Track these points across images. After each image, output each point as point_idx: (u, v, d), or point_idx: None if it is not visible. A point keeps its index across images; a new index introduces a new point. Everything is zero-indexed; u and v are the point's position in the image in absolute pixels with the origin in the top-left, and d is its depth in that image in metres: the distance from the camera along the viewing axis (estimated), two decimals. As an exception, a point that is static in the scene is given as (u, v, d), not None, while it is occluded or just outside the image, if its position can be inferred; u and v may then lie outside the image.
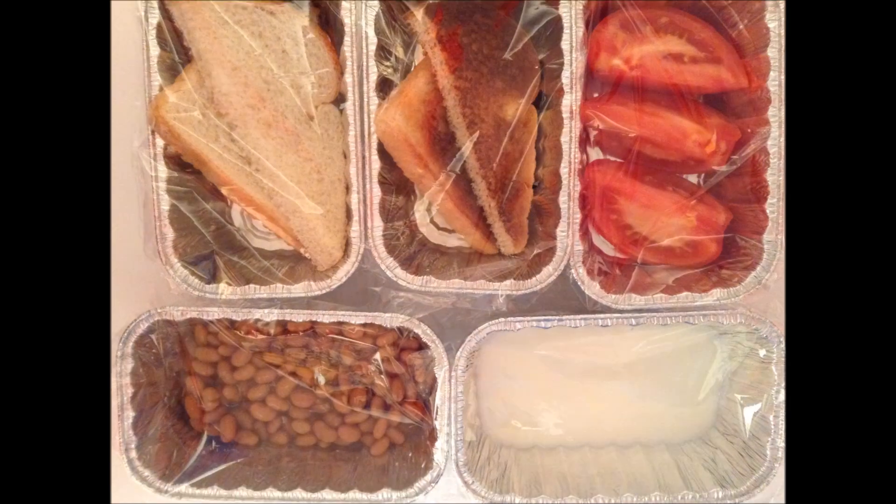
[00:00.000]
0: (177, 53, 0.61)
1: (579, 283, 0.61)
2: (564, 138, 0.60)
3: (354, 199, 0.61)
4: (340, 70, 0.62)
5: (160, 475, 0.63)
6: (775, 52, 0.59)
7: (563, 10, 0.59)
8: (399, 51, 0.65)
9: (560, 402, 0.69)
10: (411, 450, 0.66)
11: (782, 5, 0.58)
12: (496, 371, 0.69)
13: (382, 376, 0.64)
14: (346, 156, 0.63)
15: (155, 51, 0.59)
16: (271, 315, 0.62)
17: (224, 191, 0.63)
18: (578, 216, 0.61)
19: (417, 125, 0.60)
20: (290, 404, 0.67)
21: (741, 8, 0.61)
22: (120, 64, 0.61)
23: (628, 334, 0.67)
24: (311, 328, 0.64)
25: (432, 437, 0.63)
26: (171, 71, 0.61)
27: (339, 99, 0.64)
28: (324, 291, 0.62)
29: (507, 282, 0.62)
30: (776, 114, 0.59)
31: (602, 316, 0.61)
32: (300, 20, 0.61)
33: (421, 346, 0.64)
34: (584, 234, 0.62)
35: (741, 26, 0.61)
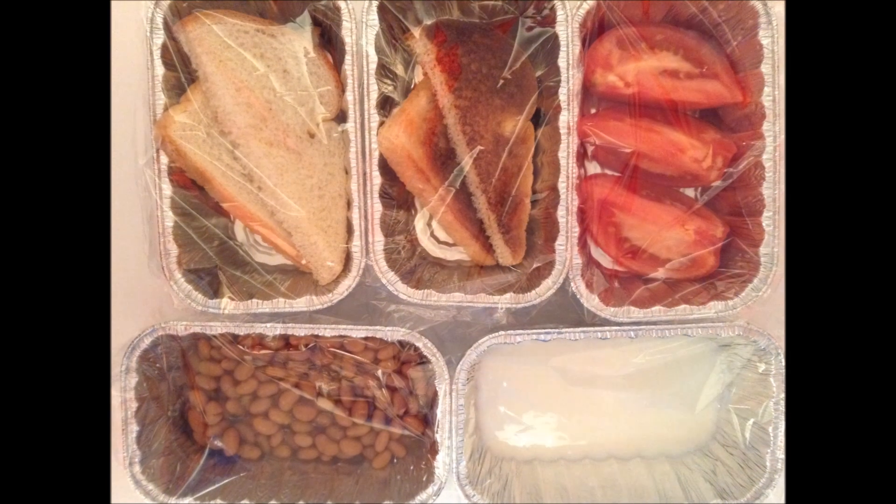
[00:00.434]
0: (181, 72, 0.62)
1: (578, 297, 0.62)
2: (562, 154, 0.61)
3: (356, 214, 0.62)
4: (341, 88, 0.63)
5: (164, 489, 0.63)
6: (769, 68, 0.60)
7: (560, 29, 0.60)
8: (399, 68, 0.66)
9: (561, 414, 0.69)
10: (413, 463, 0.66)
11: (775, 23, 0.59)
12: (497, 384, 0.69)
13: (384, 390, 0.65)
14: (347, 172, 0.64)
15: (159, 70, 0.60)
16: (274, 329, 0.62)
17: (227, 207, 0.64)
18: (577, 230, 0.62)
19: (419, 142, 0.61)
20: (292, 418, 0.67)
21: (735, 25, 0.62)
22: (124, 82, 0.62)
23: (627, 347, 0.67)
24: (313, 342, 0.65)
25: (433, 450, 0.63)
26: (175, 90, 0.62)
27: (341, 116, 0.65)
28: (325, 306, 0.63)
29: (507, 295, 0.62)
30: (770, 128, 0.60)
31: (601, 329, 0.62)
32: (301, 41, 0.62)
33: (422, 360, 0.64)
34: (583, 247, 0.63)
35: (735, 43, 0.62)
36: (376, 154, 0.61)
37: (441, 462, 0.63)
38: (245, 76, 0.60)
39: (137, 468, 0.63)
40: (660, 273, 0.64)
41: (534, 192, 0.66)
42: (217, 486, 0.65)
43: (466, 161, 0.61)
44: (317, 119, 0.63)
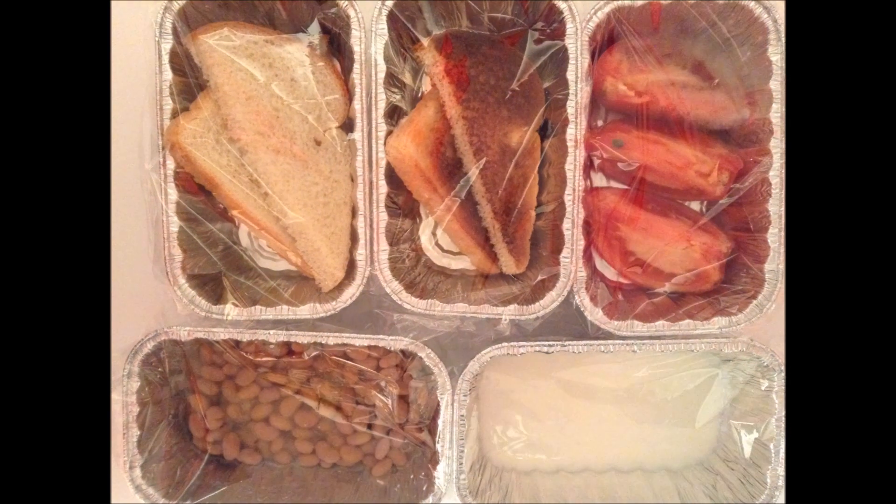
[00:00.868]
0: (190, 77, 0.63)
1: (582, 309, 0.62)
2: (569, 166, 0.61)
3: (361, 223, 0.62)
4: (349, 96, 0.63)
5: (164, 493, 0.63)
6: (777, 85, 0.60)
7: (569, 42, 0.60)
8: (408, 77, 0.66)
9: (562, 425, 0.69)
10: (413, 472, 0.66)
11: (785, 39, 0.59)
12: (498, 394, 0.69)
13: (385, 398, 0.65)
14: (352, 179, 0.64)
15: (168, 75, 0.60)
16: (277, 336, 0.62)
17: (234, 213, 0.64)
18: (582, 243, 0.62)
19: (427, 151, 0.61)
20: (293, 424, 0.67)
21: (744, 41, 0.62)
22: (131, 86, 0.62)
23: (630, 361, 0.67)
24: (316, 351, 0.65)
25: (434, 460, 0.63)
26: (183, 94, 0.62)
27: (348, 124, 0.65)
28: (329, 314, 0.63)
29: (511, 306, 0.62)
30: (777, 145, 0.60)
31: (604, 342, 0.62)
32: (309, 51, 0.62)
33: (424, 369, 0.64)
34: (588, 260, 0.63)
35: (744, 59, 0.62)
36: (383, 163, 0.61)
37: (441, 472, 0.63)
38: (254, 86, 0.60)
39: (138, 472, 0.62)
40: (665, 287, 0.64)
41: (540, 203, 0.66)
42: (217, 491, 0.65)
43: (473, 171, 0.61)
44: (323, 127, 0.63)
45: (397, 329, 0.63)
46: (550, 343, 0.62)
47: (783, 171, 0.60)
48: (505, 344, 0.62)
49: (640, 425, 0.69)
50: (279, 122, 0.61)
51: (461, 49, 0.60)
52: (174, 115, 0.61)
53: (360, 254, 0.62)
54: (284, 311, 0.63)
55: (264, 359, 0.65)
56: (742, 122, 0.63)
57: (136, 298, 0.66)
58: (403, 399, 0.65)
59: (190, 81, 0.63)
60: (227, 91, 0.59)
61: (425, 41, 0.62)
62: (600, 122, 0.67)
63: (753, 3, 0.59)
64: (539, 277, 0.63)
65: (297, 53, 0.62)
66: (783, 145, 0.60)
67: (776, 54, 0.60)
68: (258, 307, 0.63)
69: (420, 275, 0.68)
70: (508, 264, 0.65)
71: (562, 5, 0.59)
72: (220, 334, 0.63)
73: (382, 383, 0.65)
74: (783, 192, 0.60)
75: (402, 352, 0.64)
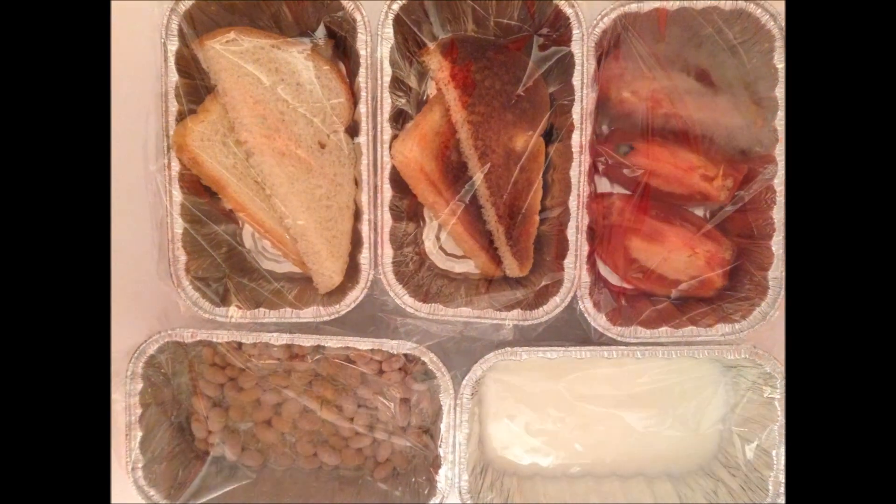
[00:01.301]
0: (196, 80, 0.63)
1: (586, 315, 0.62)
2: (573, 172, 0.61)
3: (365, 226, 0.62)
4: (354, 100, 0.64)
5: (165, 494, 0.63)
6: (783, 93, 0.60)
7: (575, 48, 0.60)
8: (413, 81, 0.66)
9: (564, 431, 0.69)
10: (415, 476, 0.66)
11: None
12: (501, 399, 0.69)
13: (388, 402, 0.65)
14: (357, 183, 0.64)
15: (173, 77, 0.61)
16: (280, 339, 0.62)
17: (239, 214, 0.65)
18: (586, 248, 0.62)
19: (432, 155, 0.61)
20: (295, 427, 0.67)
21: (750, 47, 0.62)
22: (136, 88, 0.62)
23: (633, 366, 0.67)
24: (319, 355, 0.65)
25: (436, 464, 0.63)
26: (189, 96, 0.63)
27: (353, 127, 0.65)
28: (332, 317, 0.63)
29: (515, 311, 0.62)
30: (782, 152, 0.60)
31: (608, 348, 0.62)
32: (315, 54, 0.62)
33: (427, 373, 0.64)
34: (592, 266, 0.63)
35: (750, 66, 0.62)
36: (388, 167, 0.61)
37: (443, 476, 0.63)
38: (261, 90, 0.61)
39: (140, 473, 0.63)
40: (670, 294, 0.64)
41: (544, 208, 0.66)
42: (218, 493, 0.65)
43: (478, 175, 0.61)
44: (328, 130, 0.63)
45: (400, 333, 0.63)
46: (553, 348, 0.62)
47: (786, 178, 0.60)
48: (508, 349, 0.62)
49: (642, 431, 0.69)
50: (285, 126, 0.61)
51: (467, 54, 0.60)
52: (180, 117, 0.61)
53: (364, 257, 0.62)
54: (288, 314, 0.63)
55: (267, 361, 0.65)
56: (747, 128, 0.63)
57: (139, 299, 0.66)
58: (406, 402, 0.66)
59: (196, 84, 0.63)
60: (235, 95, 0.60)
61: (431, 46, 0.62)
62: (604, 128, 0.67)
63: (760, 10, 0.59)
64: (543, 283, 0.63)
65: (303, 57, 0.62)
66: (786, 153, 0.60)
67: (782, 62, 0.60)
68: (261, 309, 0.63)
69: (423, 278, 0.68)
70: (512, 267, 0.65)
71: (568, 10, 0.59)
72: (224, 336, 0.63)
73: (385, 386, 0.65)
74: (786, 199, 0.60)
75: (405, 356, 0.64)
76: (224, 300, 0.64)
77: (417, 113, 0.64)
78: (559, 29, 0.61)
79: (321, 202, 0.63)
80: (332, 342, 0.62)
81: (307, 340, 0.62)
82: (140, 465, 0.63)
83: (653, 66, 0.62)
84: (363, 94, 0.61)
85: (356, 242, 0.65)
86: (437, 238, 0.71)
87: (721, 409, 0.68)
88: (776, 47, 0.60)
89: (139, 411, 0.62)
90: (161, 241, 0.62)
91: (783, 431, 0.62)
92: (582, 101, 0.60)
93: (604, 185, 0.69)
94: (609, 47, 0.61)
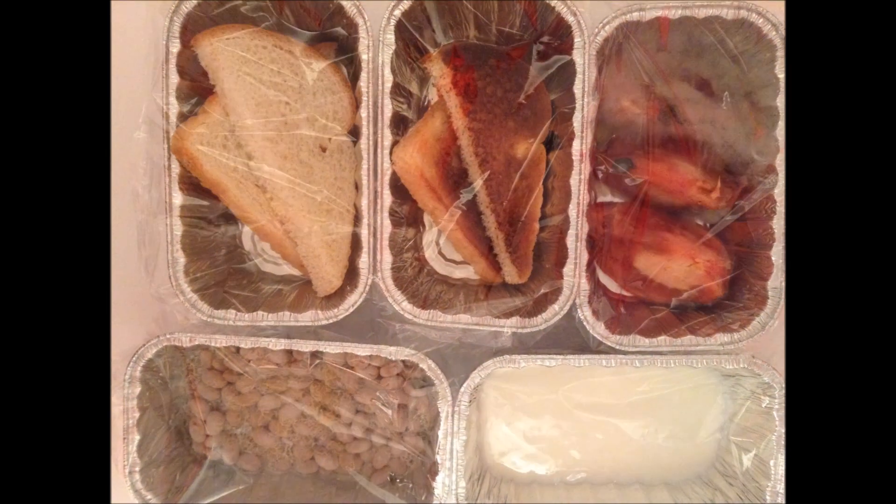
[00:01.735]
0: (197, 80, 0.63)
1: (585, 323, 0.62)
2: (573, 180, 0.60)
3: (365, 232, 0.62)
4: (355, 103, 0.63)
5: (163, 498, 0.63)
6: (783, 103, 0.60)
7: (577, 56, 0.59)
8: (414, 86, 0.66)
9: (562, 438, 0.69)
10: (412, 482, 0.66)
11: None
12: (499, 406, 0.69)
13: (385, 408, 0.65)
14: (357, 187, 0.64)
15: (174, 79, 0.60)
16: (278, 344, 0.62)
17: (239, 216, 0.65)
18: (585, 257, 0.62)
19: (432, 162, 0.61)
20: (292, 432, 0.67)
21: (751, 57, 0.62)
22: (137, 89, 0.62)
23: (632, 375, 0.67)
24: (318, 360, 0.65)
25: (433, 470, 0.63)
26: (190, 98, 0.63)
27: (354, 131, 0.65)
28: (330, 321, 0.63)
29: (513, 319, 0.62)
30: (783, 162, 0.60)
31: (606, 356, 0.62)
32: (317, 56, 0.62)
33: (425, 379, 0.64)
34: (591, 274, 0.63)
35: (751, 75, 0.62)
36: (388, 172, 0.61)
37: (440, 482, 0.63)
38: (262, 92, 0.60)
39: (137, 477, 0.62)
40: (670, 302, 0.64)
41: (544, 215, 0.65)
42: (215, 497, 0.65)
43: (478, 182, 0.61)
44: (329, 134, 0.63)
45: (399, 339, 0.63)
46: (552, 356, 0.62)
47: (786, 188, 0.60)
48: (506, 356, 0.62)
49: (640, 439, 0.69)
50: (287, 129, 0.61)
51: (469, 61, 0.60)
52: (181, 118, 0.61)
53: (363, 262, 0.62)
54: (286, 317, 0.63)
55: (265, 366, 0.65)
56: (747, 138, 0.62)
57: (137, 302, 0.66)
58: (403, 408, 0.65)
59: (196, 85, 0.63)
60: (236, 97, 0.59)
61: (433, 52, 0.62)
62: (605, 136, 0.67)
63: (762, 20, 0.59)
64: (542, 290, 0.63)
65: (305, 60, 0.62)
66: (786, 163, 0.60)
67: (783, 72, 0.60)
68: (260, 313, 0.63)
69: (422, 284, 0.68)
70: (511, 274, 0.65)
71: (570, 18, 0.59)
72: (222, 341, 0.62)
73: (383, 392, 0.65)
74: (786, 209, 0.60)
75: (404, 361, 0.64)
76: (222, 302, 0.64)
77: (418, 119, 0.64)
78: (561, 37, 0.61)
79: (322, 206, 0.63)
80: (331, 348, 0.62)
81: (306, 346, 0.62)
82: (137, 469, 0.62)
83: (654, 75, 0.62)
84: (364, 98, 0.61)
85: (355, 247, 0.65)
86: (437, 244, 0.71)
87: (719, 419, 0.68)
88: (777, 57, 0.60)
89: (137, 415, 0.62)
90: (160, 243, 0.62)
91: (781, 441, 0.62)
92: (583, 110, 0.60)
93: (604, 191, 0.68)
94: (610, 56, 0.61)
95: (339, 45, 0.66)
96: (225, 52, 0.59)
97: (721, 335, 0.62)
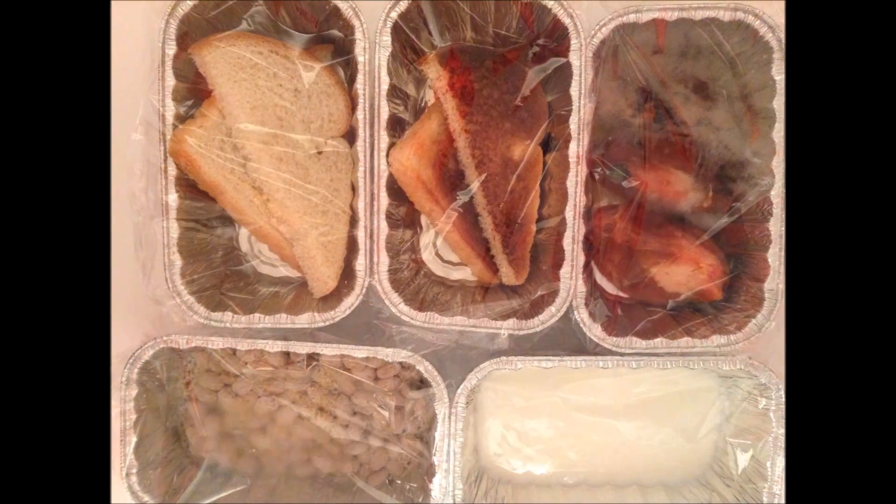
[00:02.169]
0: (193, 83, 0.63)
1: (581, 325, 0.62)
2: (570, 182, 0.60)
3: (361, 234, 0.62)
4: (351, 105, 0.63)
5: (160, 500, 0.63)
6: (780, 104, 0.60)
7: (573, 58, 0.59)
8: (411, 88, 0.66)
9: (559, 440, 0.69)
10: (409, 484, 0.66)
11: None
12: (496, 407, 0.69)
13: (383, 410, 0.65)
14: (354, 189, 0.64)
15: (170, 81, 0.60)
16: (275, 346, 0.62)
17: (236, 218, 0.65)
18: (582, 259, 0.62)
19: (429, 163, 0.61)
20: (289, 434, 0.67)
21: (748, 58, 0.62)
22: (134, 92, 0.62)
23: (629, 376, 0.67)
24: (314, 363, 0.65)
25: (430, 472, 0.63)
26: (186, 101, 0.63)
27: (350, 133, 0.65)
28: (327, 323, 0.63)
29: (510, 321, 0.62)
30: (779, 164, 0.60)
31: (603, 358, 0.62)
32: (313, 60, 0.62)
33: (422, 381, 0.64)
34: (588, 276, 0.63)
35: (748, 76, 0.62)
36: (385, 174, 0.61)
37: (437, 484, 0.63)
38: (259, 95, 0.61)
39: (134, 479, 0.63)
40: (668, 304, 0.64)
41: (541, 217, 0.65)
42: (213, 499, 0.65)
43: (475, 184, 0.61)
44: (325, 136, 0.63)
45: (396, 341, 0.63)
46: (549, 358, 0.62)
47: (784, 190, 0.60)
48: (503, 358, 0.62)
49: (637, 440, 0.69)
50: (283, 131, 0.61)
51: (465, 63, 0.60)
52: (177, 120, 0.61)
53: (360, 264, 0.62)
54: (283, 319, 0.63)
55: (262, 368, 0.65)
56: (744, 140, 0.62)
57: (134, 304, 0.66)
58: (401, 410, 0.65)
59: (193, 87, 0.63)
60: (232, 102, 0.60)
61: (430, 54, 0.62)
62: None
63: (758, 21, 0.59)
64: (539, 292, 0.63)
65: (301, 62, 0.62)
66: (784, 165, 0.60)
67: (780, 73, 0.60)
68: (257, 315, 0.63)
69: (419, 286, 0.68)
70: (508, 275, 0.65)
71: (566, 20, 0.59)
72: (219, 343, 0.63)
73: (380, 394, 0.65)
74: (784, 211, 0.60)
75: (400, 363, 0.64)
76: (219, 305, 0.64)
77: (415, 121, 0.64)
78: (557, 39, 0.61)
79: (317, 207, 0.63)
80: (328, 350, 0.62)
81: (302, 348, 0.62)
82: (134, 471, 0.63)
83: (650, 77, 0.62)
84: (361, 100, 0.61)
85: (352, 249, 0.65)
86: (434, 245, 0.71)
87: (716, 420, 0.68)
88: (774, 59, 0.60)
89: (134, 417, 0.62)
90: (157, 245, 0.62)
91: (778, 442, 0.62)
92: (579, 112, 0.60)
93: (600, 193, 0.68)
94: (607, 58, 0.61)
95: (336, 47, 0.65)
96: (222, 59, 0.60)
97: (718, 337, 0.62)
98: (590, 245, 0.64)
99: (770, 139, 0.60)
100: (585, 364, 0.62)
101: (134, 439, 0.62)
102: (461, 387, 0.62)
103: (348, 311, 0.63)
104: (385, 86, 0.60)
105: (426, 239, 0.71)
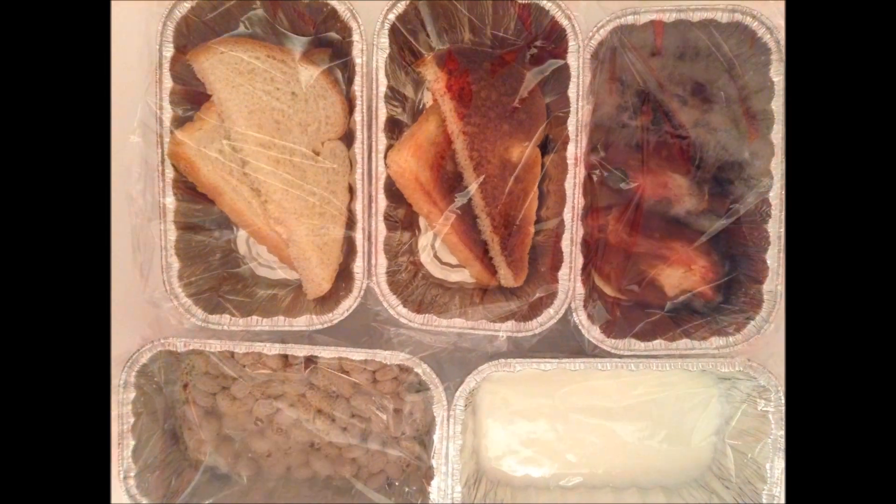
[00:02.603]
0: (191, 85, 0.63)
1: (580, 327, 0.62)
2: (568, 184, 0.60)
3: (359, 236, 0.62)
4: (348, 107, 0.63)
5: (158, 503, 0.63)
6: (779, 105, 0.60)
7: (571, 60, 0.59)
8: (409, 90, 0.66)
9: (557, 442, 0.69)
10: (408, 486, 0.66)
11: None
12: (494, 410, 0.69)
13: (381, 412, 0.65)
14: (351, 191, 0.64)
15: (167, 83, 0.60)
16: (273, 349, 0.62)
17: (234, 219, 0.65)
18: (580, 261, 0.61)
19: (427, 165, 0.61)
20: (287, 436, 0.67)
21: (746, 60, 0.62)
22: (131, 94, 0.62)
23: (627, 378, 0.67)
24: (312, 365, 0.65)
25: (429, 475, 0.63)
26: (184, 104, 0.62)
27: (348, 135, 0.64)
28: (325, 325, 0.63)
29: (509, 323, 0.62)
30: (778, 165, 0.60)
31: (602, 360, 0.62)
32: (309, 64, 0.62)
33: (420, 383, 0.64)
34: (587, 278, 0.63)
35: (747, 77, 0.62)
36: (383, 176, 0.61)
37: (436, 487, 0.63)
38: (256, 100, 0.61)
39: (132, 482, 0.62)
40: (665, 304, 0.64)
41: (540, 218, 0.65)
42: (211, 501, 0.65)
43: (473, 186, 0.61)
44: (322, 139, 0.63)
45: (394, 343, 0.63)
46: (548, 360, 0.62)
47: (783, 191, 0.60)
48: (502, 360, 0.62)
49: (636, 442, 0.69)
50: (280, 135, 0.62)
51: (463, 65, 0.60)
52: (174, 122, 0.61)
53: (358, 266, 0.62)
54: (281, 322, 0.63)
55: (260, 371, 0.64)
56: (742, 141, 0.62)
57: (132, 307, 0.66)
58: (399, 413, 0.65)
59: (191, 90, 0.63)
60: (230, 106, 0.60)
61: (427, 56, 0.61)
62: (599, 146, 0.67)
63: (756, 23, 0.59)
64: (537, 294, 0.63)
65: (298, 67, 0.62)
66: (783, 166, 0.60)
67: (778, 75, 0.59)
68: (254, 317, 0.63)
69: (418, 288, 0.68)
70: (507, 277, 0.65)
71: (564, 22, 0.59)
72: (216, 346, 0.62)
73: (378, 397, 0.65)
74: (782, 213, 0.60)
75: (399, 366, 0.64)
76: (217, 307, 0.64)
77: (413, 122, 0.64)
78: (555, 40, 0.61)
79: (314, 209, 0.63)
80: (326, 352, 0.62)
81: (300, 350, 0.62)
82: (132, 474, 0.62)
83: (648, 79, 0.61)
84: (358, 102, 0.60)
85: (350, 251, 0.65)
86: (433, 247, 0.71)
87: (715, 421, 0.68)
88: (772, 60, 0.60)
89: (131, 420, 0.62)
90: (154, 248, 0.62)
91: (777, 444, 0.62)
92: (577, 114, 0.60)
93: (599, 195, 0.68)
94: (605, 59, 0.61)
95: (334, 50, 0.65)
96: (220, 64, 0.60)
97: (716, 338, 0.62)
98: (588, 247, 0.64)
99: (768, 141, 0.60)
100: (584, 366, 0.62)
101: (132, 442, 0.62)
102: (460, 389, 0.62)
103: (346, 314, 0.63)
104: (383, 88, 0.60)
105: (424, 241, 0.70)
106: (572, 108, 0.60)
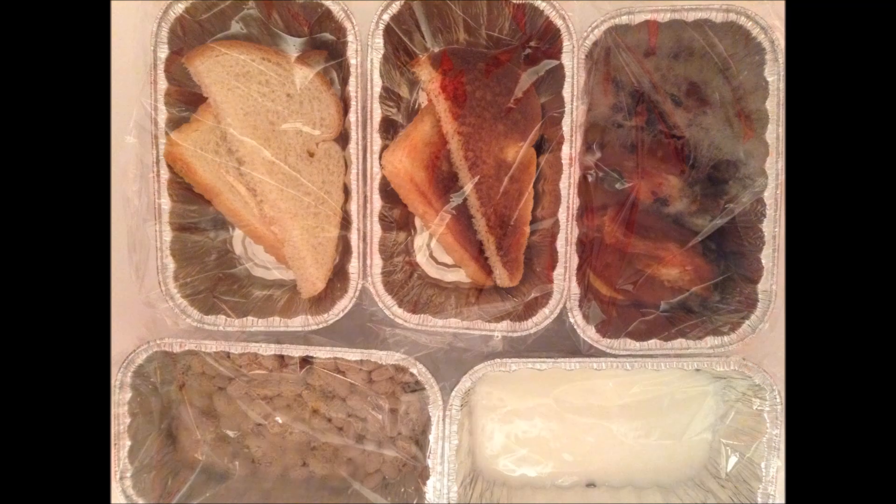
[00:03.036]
0: (186, 87, 0.63)
1: (575, 327, 0.62)
2: (563, 184, 0.60)
3: (354, 236, 0.62)
4: (342, 108, 0.64)
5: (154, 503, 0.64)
6: (773, 105, 0.60)
7: (566, 60, 0.59)
8: (404, 91, 0.66)
9: (554, 441, 0.69)
10: (404, 486, 0.66)
11: (781, 59, 0.59)
12: (490, 409, 0.69)
13: (377, 412, 0.65)
14: (346, 191, 0.64)
15: (162, 84, 0.60)
16: (268, 349, 0.62)
17: (231, 219, 0.65)
18: (576, 261, 0.61)
19: (422, 166, 0.61)
20: (283, 437, 0.67)
21: (741, 60, 0.62)
22: (127, 95, 0.62)
23: (623, 378, 0.67)
24: (308, 365, 0.65)
25: (425, 475, 0.63)
26: (180, 105, 0.63)
27: (343, 136, 0.65)
28: (320, 326, 0.63)
29: (504, 323, 0.62)
30: (773, 165, 0.60)
31: (597, 359, 0.62)
32: (303, 66, 0.63)
33: (416, 383, 0.64)
34: (582, 277, 0.63)
35: (741, 77, 0.62)
36: (378, 177, 0.61)
37: (432, 487, 0.63)
38: (251, 102, 0.61)
39: (128, 482, 0.62)
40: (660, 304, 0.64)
41: (535, 218, 0.65)
42: (207, 502, 0.65)
43: (468, 186, 0.61)
44: (316, 140, 0.63)
45: (389, 343, 0.63)
46: (543, 360, 0.62)
47: (778, 191, 0.60)
48: (498, 360, 0.62)
49: (632, 441, 0.69)
50: (275, 136, 0.62)
51: (458, 65, 0.60)
52: (169, 123, 0.61)
53: (353, 266, 0.62)
54: (276, 323, 0.63)
55: (256, 371, 0.64)
56: (736, 141, 0.62)
57: (128, 307, 0.66)
58: (395, 413, 0.65)
59: (186, 91, 0.63)
60: (226, 108, 0.61)
61: (422, 57, 0.61)
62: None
63: (751, 23, 0.59)
64: (532, 294, 0.63)
65: (292, 68, 0.62)
66: (778, 166, 0.60)
67: (773, 74, 0.60)
68: (250, 318, 0.63)
69: (413, 287, 0.68)
70: (502, 277, 0.65)
71: (558, 23, 0.59)
72: (212, 346, 0.62)
73: (374, 397, 0.65)
74: (777, 212, 0.60)
75: (394, 366, 0.64)
76: (213, 308, 0.64)
77: (408, 123, 0.64)
78: (550, 41, 0.61)
79: (308, 209, 0.63)
80: (321, 353, 0.62)
81: (296, 351, 0.62)
82: (128, 475, 0.62)
83: (642, 79, 0.62)
84: (353, 103, 0.60)
85: (346, 251, 0.65)
86: (428, 247, 0.71)
87: (710, 420, 0.68)
88: (767, 60, 0.60)
89: (127, 420, 0.62)
90: (150, 248, 0.62)
91: (772, 443, 0.62)
92: (572, 114, 0.60)
93: (594, 195, 0.68)
94: (599, 59, 0.61)
95: (328, 50, 0.65)
96: (215, 67, 0.61)
97: (711, 338, 0.62)
98: (583, 247, 0.64)
99: (763, 140, 0.60)
100: (580, 366, 0.62)
101: (128, 443, 0.62)
102: (455, 389, 0.62)
103: (342, 314, 0.63)
104: (377, 88, 0.60)
105: (420, 241, 0.71)
106: (567, 109, 0.60)
